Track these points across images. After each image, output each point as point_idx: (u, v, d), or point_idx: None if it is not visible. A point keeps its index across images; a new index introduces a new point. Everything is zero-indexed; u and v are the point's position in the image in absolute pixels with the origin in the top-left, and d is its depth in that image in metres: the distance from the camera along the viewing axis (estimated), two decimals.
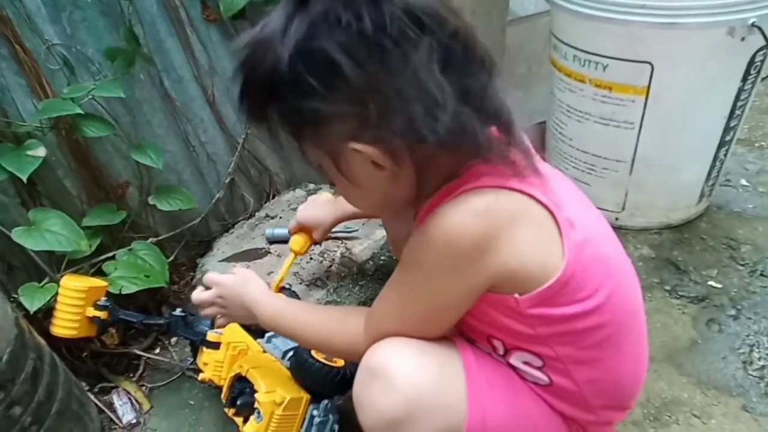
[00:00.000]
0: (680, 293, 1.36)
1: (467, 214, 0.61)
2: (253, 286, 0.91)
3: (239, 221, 1.63)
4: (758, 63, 1.25)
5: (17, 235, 1.10)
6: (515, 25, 1.69)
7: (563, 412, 0.75)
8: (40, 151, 1.14)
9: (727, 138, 1.39)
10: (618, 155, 1.44)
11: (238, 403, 1.00)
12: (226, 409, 1.04)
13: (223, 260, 1.45)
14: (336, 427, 1.02)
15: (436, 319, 0.71)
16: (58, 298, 1.06)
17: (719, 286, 1.36)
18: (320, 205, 1.17)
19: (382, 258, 1.39)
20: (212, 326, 1.09)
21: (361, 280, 1.35)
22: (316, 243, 1.19)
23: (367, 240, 1.43)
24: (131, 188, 1.43)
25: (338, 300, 1.31)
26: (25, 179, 1.09)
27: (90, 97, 1.20)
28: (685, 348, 1.23)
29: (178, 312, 1.15)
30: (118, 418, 1.23)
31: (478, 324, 0.72)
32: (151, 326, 1.33)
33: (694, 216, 1.57)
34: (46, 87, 1.21)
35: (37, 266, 1.18)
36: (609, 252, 0.71)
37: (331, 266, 1.37)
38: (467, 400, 0.69)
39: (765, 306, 1.30)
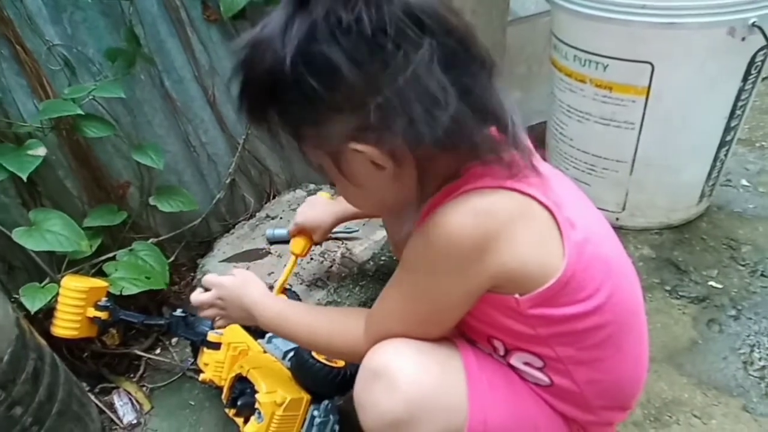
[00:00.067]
0: (681, 293, 1.36)
1: (467, 215, 0.61)
2: (252, 287, 0.91)
3: (240, 222, 1.63)
4: (759, 63, 1.25)
5: (18, 235, 1.10)
6: (516, 25, 1.69)
7: (564, 412, 0.75)
8: (41, 151, 1.14)
9: (728, 138, 1.39)
10: (618, 155, 1.44)
11: (239, 403, 1.00)
12: (226, 410, 1.04)
13: (223, 261, 1.45)
14: (336, 427, 1.03)
15: (437, 319, 0.71)
16: (59, 299, 1.06)
17: (720, 286, 1.36)
18: (319, 206, 1.17)
19: (383, 258, 1.39)
20: (213, 327, 1.09)
21: (362, 280, 1.35)
22: (316, 244, 1.19)
23: (368, 240, 1.43)
24: (132, 189, 1.43)
25: (339, 300, 1.31)
26: (25, 178, 1.09)
27: (91, 97, 1.20)
28: (686, 348, 1.23)
29: (178, 312, 1.15)
30: (119, 418, 1.23)
31: (479, 324, 0.72)
32: (152, 327, 1.33)
33: (695, 216, 1.57)
34: (47, 87, 1.22)
35: (38, 267, 1.18)
36: (609, 252, 0.71)
37: (331, 266, 1.37)
38: (468, 401, 0.69)
39: (765, 306, 1.30)
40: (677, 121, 1.34)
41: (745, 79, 1.27)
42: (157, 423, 1.23)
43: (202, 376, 1.10)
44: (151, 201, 1.38)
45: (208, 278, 0.98)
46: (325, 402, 1.02)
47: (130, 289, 1.19)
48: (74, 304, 1.05)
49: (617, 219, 1.56)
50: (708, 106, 1.32)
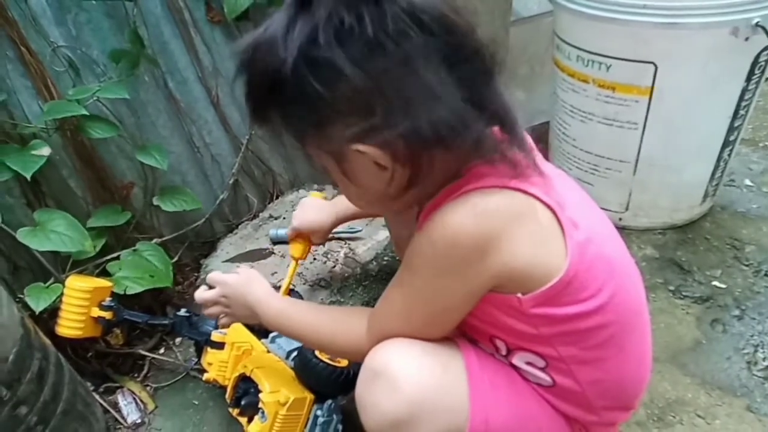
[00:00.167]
0: (684, 293, 1.35)
1: (469, 215, 0.61)
2: (256, 285, 0.91)
3: (243, 222, 1.64)
4: (762, 63, 1.24)
5: (22, 235, 1.10)
6: (518, 25, 1.69)
7: (566, 412, 0.75)
8: (45, 151, 1.15)
9: (731, 138, 1.39)
10: (621, 155, 1.44)
11: (243, 403, 1.00)
12: (230, 409, 1.05)
13: (227, 261, 1.45)
14: (340, 427, 1.03)
15: (439, 319, 0.71)
16: (64, 299, 1.06)
17: (723, 286, 1.36)
18: (316, 209, 1.16)
19: (386, 258, 1.39)
20: (216, 326, 1.09)
21: (365, 280, 1.35)
22: (318, 244, 1.19)
23: (371, 240, 1.43)
24: (136, 189, 1.44)
25: (342, 300, 1.31)
26: (29, 177, 1.10)
27: (95, 98, 1.21)
28: (689, 348, 1.23)
29: (182, 312, 1.16)
30: (123, 417, 1.23)
31: (481, 324, 0.72)
32: (156, 326, 1.34)
33: (698, 216, 1.56)
34: (51, 89, 1.22)
35: (43, 267, 1.19)
36: (612, 252, 0.71)
37: (334, 267, 1.37)
38: (470, 401, 0.69)
39: None
40: (680, 121, 1.33)
41: (748, 79, 1.26)
42: (161, 422, 1.24)
43: (205, 376, 1.10)
44: (155, 201, 1.38)
45: (213, 276, 0.98)
46: (329, 401, 1.02)
47: (134, 288, 1.19)
48: (79, 303, 1.06)
49: (620, 219, 1.56)
50: (711, 106, 1.32)
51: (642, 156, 1.41)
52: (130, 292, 1.18)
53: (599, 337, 0.68)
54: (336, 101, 0.57)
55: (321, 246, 1.42)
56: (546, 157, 0.77)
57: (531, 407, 0.74)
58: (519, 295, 0.65)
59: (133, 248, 1.31)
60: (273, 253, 1.44)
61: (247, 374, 1.00)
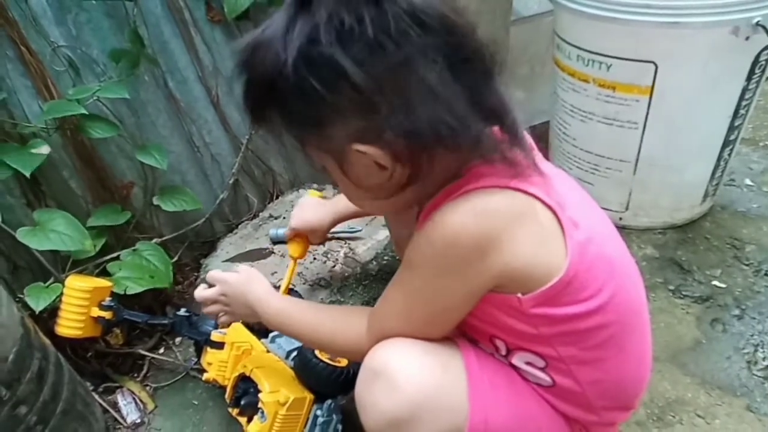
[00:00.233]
0: (684, 293, 1.35)
1: (469, 215, 0.61)
2: (256, 284, 0.91)
3: (243, 222, 1.63)
4: (763, 62, 1.24)
5: (22, 235, 1.10)
6: (518, 25, 1.69)
7: (566, 412, 0.75)
8: (44, 149, 1.15)
9: (732, 137, 1.39)
10: (622, 155, 1.44)
11: (242, 402, 1.00)
12: (230, 409, 1.05)
13: (227, 260, 1.45)
14: (339, 427, 1.03)
15: (439, 319, 0.71)
16: (63, 298, 1.06)
17: (723, 285, 1.36)
18: (314, 209, 1.16)
19: (386, 258, 1.39)
20: (216, 326, 1.09)
21: (365, 280, 1.35)
22: (319, 244, 1.19)
23: (371, 240, 1.43)
24: (136, 189, 1.44)
25: (342, 300, 1.31)
26: (28, 175, 1.10)
27: (95, 98, 1.21)
28: (689, 348, 1.23)
29: (182, 312, 1.16)
30: (123, 417, 1.23)
31: (481, 324, 0.72)
32: (156, 326, 1.34)
33: (698, 216, 1.56)
34: (51, 88, 1.22)
35: (43, 266, 1.19)
36: (613, 252, 0.71)
37: (334, 266, 1.37)
38: (469, 400, 0.69)
39: None
40: (681, 120, 1.33)
41: (748, 79, 1.26)
42: (161, 422, 1.24)
43: (205, 376, 1.10)
44: (155, 201, 1.38)
45: (213, 274, 0.98)
46: (328, 401, 1.02)
47: (134, 289, 1.19)
48: (78, 303, 1.06)
49: (620, 219, 1.56)
50: (711, 105, 1.31)
51: (642, 155, 1.41)
52: (130, 292, 1.18)
53: (599, 337, 0.68)
54: (336, 101, 0.57)
55: (321, 245, 1.42)
56: (546, 156, 0.77)
57: (530, 407, 0.74)
58: (519, 295, 0.65)
59: (133, 248, 1.31)
60: (273, 252, 1.44)
61: (247, 374, 1.00)
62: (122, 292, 1.17)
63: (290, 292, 1.19)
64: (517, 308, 0.66)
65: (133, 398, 1.27)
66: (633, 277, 0.74)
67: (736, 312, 1.29)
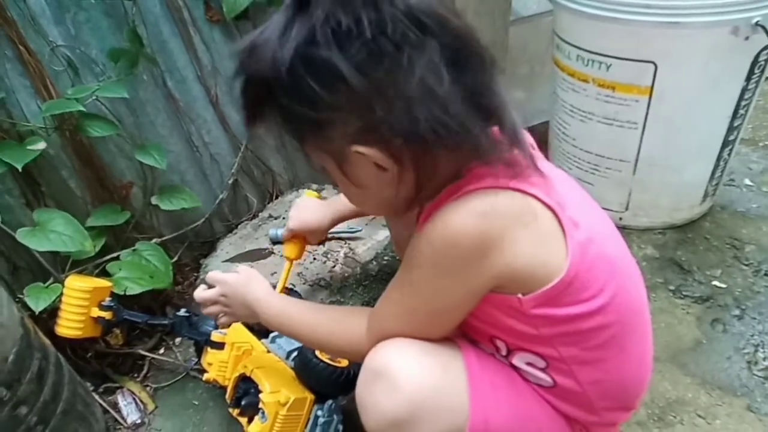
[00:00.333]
0: (684, 293, 1.35)
1: (469, 215, 0.61)
2: (256, 284, 0.91)
3: (242, 222, 1.63)
4: (762, 62, 1.24)
5: (21, 235, 1.10)
6: (518, 25, 1.68)
7: (567, 413, 0.75)
8: (40, 145, 1.15)
9: (731, 137, 1.39)
10: (621, 155, 1.44)
11: (243, 403, 1.00)
12: (230, 409, 1.05)
13: (226, 261, 1.45)
14: (340, 427, 1.03)
15: (439, 320, 0.71)
16: (63, 299, 1.06)
17: (723, 286, 1.36)
18: (312, 209, 1.15)
19: (386, 258, 1.39)
20: (216, 326, 1.09)
21: (365, 280, 1.35)
22: (312, 245, 1.18)
23: (371, 240, 1.43)
24: (135, 188, 1.44)
25: (342, 300, 1.31)
26: (20, 168, 1.09)
27: (94, 97, 1.20)
28: (690, 348, 1.23)
29: (182, 312, 1.16)
30: (123, 418, 1.23)
31: (481, 325, 0.72)
32: (156, 326, 1.34)
33: (698, 216, 1.56)
34: (50, 88, 1.22)
35: (42, 267, 1.19)
36: (613, 252, 0.71)
37: (334, 266, 1.37)
38: (470, 401, 0.69)
39: None
40: (680, 120, 1.33)
41: (748, 79, 1.26)
42: (161, 423, 1.23)
43: (205, 376, 1.10)
44: (154, 200, 1.38)
45: (212, 275, 0.98)
46: (329, 402, 1.02)
47: (134, 289, 1.19)
48: (78, 304, 1.06)
49: (620, 219, 1.56)
50: (711, 105, 1.32)
51: (642, 156, 1.41)
52: (129, 292, 1.18)
53: (600, 338, 0.68)
54: (335, 102, 0.57)
55: (321, 246, 1.42)
56: (546, 156, 0.77)
57: (531, 408, 0.74)
58: (519, 295, 0.65)
59: (132, 248, 1.31)
60: (273, 253, 1.44)
61: (248, 374, 1.00)
62: (122, 293, 1.17)
63: (290, 292, 1.19)
64: (518, 309, 0.66)
65: (134, 398, 1.27)
66: (634, 277, 0.74)
67: (737, 312, 1.29)
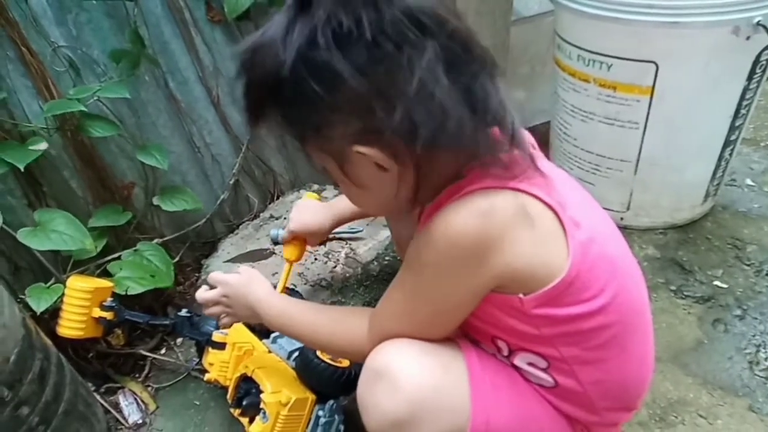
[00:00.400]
0: (686, 293, 1.35)
1: (470, 215, 0.61)
2: (258, 285, 0.91)
3: (244, 222, 1.63)
4: (763, 62, 1.24)
5: (23, 235, 1.10)
6: (519, 25, 1.68)
7: (568, 413, 0.75)
8: (42, 146, 1.15)
9: (732, 137, 1.39)
10: (622, 155, 1.44)
11: (244, 403, 1.00)
12: (231, 410, 1.05)
13: (227, 261, 1.45)
14: (341, 427, 1.03)
15: (440, 320, 0.71)
16: (65, 299, 1.06)
17: (725, 286, 1.36)
18: (313, 212, 1.14)
19: (387, 258, 1.39)
20: (217, 326, 1.09)
21: (366, 280, 1.35)
22: (313, 246, 1.18)
23: (372, 240, 1.43)
24: (136, 189, 1.44)
25: (343, 300, 1.31)
26: (21, 168, 1.10)
27: (95, 98, 1.21)
28: (691, 348, 1.23)
29: (183, 312, 1.16)
30: (124, 418, 1.23)
31: (483, 325, 0.72)
32: (157, 327, 1.34)
33: (699, 216, 1.56)
34: (52, 89, 1.22)
35: (44, 267, 1.19)
36: (614, 252, 0.71)
37: (335, 267, 1.37)
38: (471, 401, 0.69)
39: None
40: (681, 120, 1.33)
41: (749, 78, 1.26)
42: (162, 423, 1.24)
43: (207, 376, 1.10)
44: (155, 201, 1.38)
45: (214, 276, 0.98)
46: (330, 402, 1.02)
47: (135, 289, 1.19)
48: (80, 304, 1.06)
49: (622, 219, 1.55)
50: (712, 105, 1.31)
51: (643, 155, 1.41)
52: (131, 292, 1.18)
53: (601, 338, 0.68)
54: (336, 103, 0.57)
55: (322, 246, 1.42)
56: (547, 156, 0.77)
57: (532, 408, 0.74)
58: (521, 295, 0.65)
59: (134, 248, 1.31)
60: (274, 253, 1.44)
61: (249, 374, 1.00)
62: (123, 292, 1.17)
63: (291, 292, 1.19)
64: (519, 309, 0.66)
65: (135, 399, 1.27)
66: (635, 276, 0.74)
67: (738, 312, 1.29)
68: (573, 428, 0.77)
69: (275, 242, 1.47)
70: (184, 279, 1.56)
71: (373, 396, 0.70)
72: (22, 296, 1.12)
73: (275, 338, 1.12)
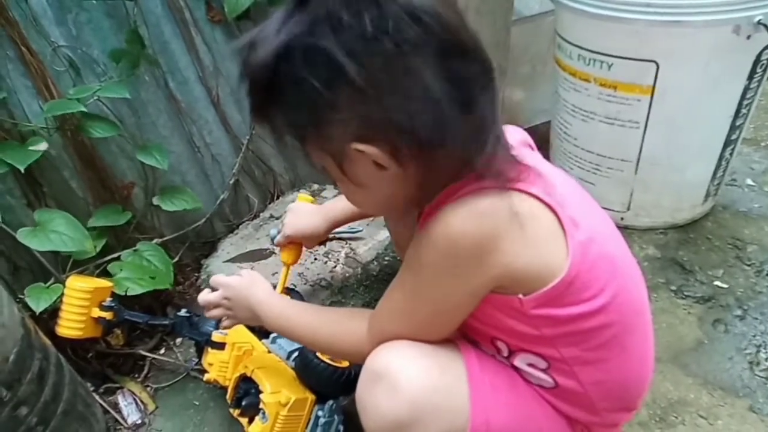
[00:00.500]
0: (686, 293, 1.35)
1: (470, 216, 0.61)
2: (259, 288, 0.91)
3: (244, 222, 1.63)
4: (764, 61, 1.24)
5: (22, 235, 1.10)
6: (520, 24, 1.68)
7: (568, 414, 0.75)
8: (42, 146, 1.15)
9: (733, 137, 1.38)
10: (623, 155, 1.44)
11: (243, 403, 1.00)
12: (231, 410, 1.04)
13: (227, 261, 1.45)
14: (341, 427, 1.02)
15: (440, 320, 0.70)
16: (64, 299, 1.06)
17: (725, 286, 1.36)
18: (308, 216, 1.13)
19: (387, 258, 1.39)
20: (217, 326, 1.09)
21: (366, 280, 1.35)
22: (309, 248, 1.18)
23: (372, 240, 1.42)
24: (136, 189, 1.44)
25: (343, 301, 1.31)
26: (22, 169, 1.10)
27: (95, 98, 1.20)
28: (691, 348, 1.22)
29: (183, 313, 1.16)
30: (123, 418, 1.23)
31: (482, 326, 0.72)
32: (156, 327, 1.34)
33: (700, 216, 1.56)
34: (51, 88, 1.22)
35: (43, 267, 1.19)
36: (614, 251, 0.70)
37: (335, 267, 1.37)
38: (470, 402, 0.69)
39: None
40: (682, 120, 1.33)
41: (750, 78, 1.26)
42: (162, 423, 1.23)
43: (206, 376, 1.10)
44: (155, 201, 1.38)
45: (216, 278, 0.98)
46: (330, 402, 1.02)
47: (135, 290, 1.19)
48: (79, 304, 1.05)
49: (622, 219, 1.55)
50: (713, 104, 1.31)
51: (644, 155, 1.41)
52: (130, 293, 1.18)
53: (601, 338, 0.68)
54: (334, 99, 0.57)
55: (322, 246, 1.42)
56: (547, 156, 0.77)
57: (532, 409, 0.74)
58: (520, 296, 0.64)
59: (133, 248, 1.31)
60: (274, 253, 1.44)
61: (248, 375, 1.00)
62: (123, 293, 1.17)
63: (291, 292, 1.19)
64: (519, 309, 0.66)
65: (134, 399, 1.27)
66: (635, 276, 0.74)
67: (738, 312, 1.29)
68: (573, 429, 0.77)
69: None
70: (184, 279, 1.56)
71: (373, 397, 0.70)
72: (22, 296, 1.12)
73: (275, 338, 1.12)
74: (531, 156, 0.73)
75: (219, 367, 1.08)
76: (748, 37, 1.18)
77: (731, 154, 1.44)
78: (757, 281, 1.36)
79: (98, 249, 1.23)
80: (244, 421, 1.01)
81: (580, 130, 1.48)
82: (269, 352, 1.09)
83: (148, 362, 1.35)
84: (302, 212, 1.14)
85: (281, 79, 0.57)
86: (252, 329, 1.12)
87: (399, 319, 0.71)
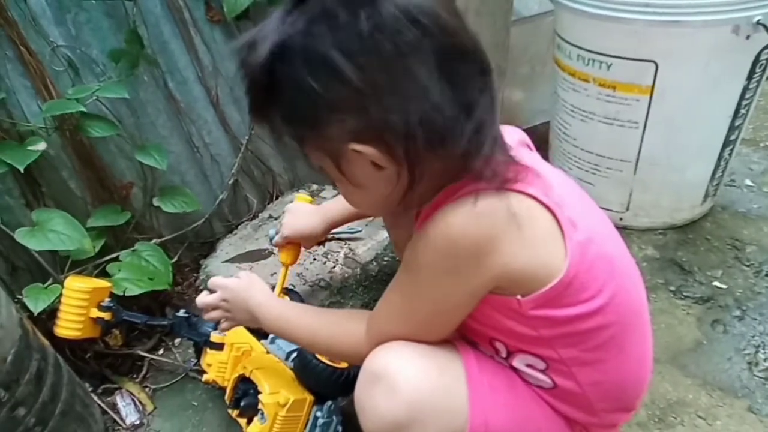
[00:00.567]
0: (685, 294, 1.35)
1: (468, 216, 0.60)
2: (257, 290, 0.91)
3: (243, 222, 1.63)
4: (763, 62, 1.24)
5: (21, 235, 1.10)
6: (519, 25, 1.68)
7: (566, 414, 0.75)
8: (40, 146, 1.15)
9: (732, 137, 1.38)
10: (622, 155, 1.44)
11: (242, 404, 1.00)
12: (229, 410, 1.05)
13: (226, 261, 1.45)
14: (339, 428, 1.02)
15: (439, 321, 0.70)
16: (62, 299, 1.06)
17: (724, 286, 1.36)
18: (306, 217, 1.13)
19: (386, 259, 1.39)
20: (216, 327, 1.09)
21: (365, 281, 1.35)
22: (307, 248, 1.18)
23: (371, 241, 1.42)
24: (135, 189, 1.44)
25: (342, 301, 1.30)
26: (21, 169, 1.10)
27: (94, 98, 1.20)
28: (690, 349, 1.22)
29: (181, 313, 1.16)
30: (122, 419, 1.23)
31: (481, 327, 0.72)
32: (155, 327, 1.34)
33: (699, 216, 1.56)
34: (50, 88, 1.22)
35: (41, 267, 1.19)
36: (612, 252, 0.70)
37: (334, 267, 1.37)
38: (469, 403, 0.69)
39: None
40: (681, 120, 1.33)
41: (749, 78, 1.26)
42: (160, 423, 1.23)
43: (205, 377, 1.10)
44: (155, 202, 1.38)
45: (214, 280, 0.97)
46: (329, 403, 1.02)
47: (133, 290, 1.19)
48: (77, 304, 1.06)
49: (621, 219, 1.55)
50: (712, 105, 1.31)
51: (643, 155, 1.41)
52: (129, 293, 1.18)
53: (600, 338, 0.68)
54: (332, 99, 0.57)
55: (321, 246, 1.42)
56: (546, 156, 0.77)
57: (531, 409, 0.74)
58: (519, 296, 0.64)
59: (132, 249, 1.31)
60: (273, 253, 1.43)
61: (247, 375, 1.00)
62: (121, 293, 1.16)
63: (290, 293, 1.19)
64: (517, 310, 0.66)
65: (132, 399, 1.27)
66: (633, 277, 0.74)
67: (737, 313, 1.29)
68: (572, 429, 0.77)
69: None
70: (183, 279, 1.56)
71: (371, 398, 0.70)
72: (20, 296, 1.12)
73: (273, 339, 1.12)
74: (529, 156, 0.73)
75: (218, 367, 1.08)
76: (747, 37, 1.18)
77: (730, 155, 1.44)
78: (756, 282, 1.36)
79: (97, 249, 1.23)
80: (242, 421, 1.01)
81: (580, 130, 1.48)
82: (268, 352, 1.09)
83: (147, 363, 1.35)
84: (301, 213, 1.14)
85: (279, 79, 0.57)
86: (251, 330, 1.12)
87: (397, 320, 0.71)
